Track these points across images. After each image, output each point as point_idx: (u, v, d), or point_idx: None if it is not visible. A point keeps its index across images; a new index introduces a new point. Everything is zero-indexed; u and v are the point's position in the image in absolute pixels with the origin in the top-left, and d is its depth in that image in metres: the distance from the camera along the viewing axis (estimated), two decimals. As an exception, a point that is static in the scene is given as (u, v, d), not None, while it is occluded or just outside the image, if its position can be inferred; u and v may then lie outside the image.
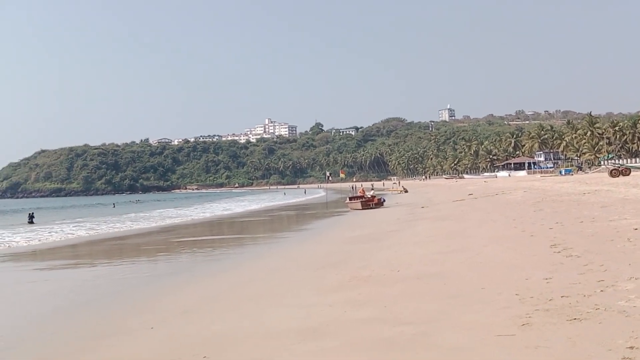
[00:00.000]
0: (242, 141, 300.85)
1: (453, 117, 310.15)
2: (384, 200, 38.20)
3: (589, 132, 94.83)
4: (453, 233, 14.48)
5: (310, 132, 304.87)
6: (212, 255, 16.37)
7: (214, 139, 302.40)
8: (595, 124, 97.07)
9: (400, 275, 8.99)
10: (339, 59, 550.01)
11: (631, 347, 4.41)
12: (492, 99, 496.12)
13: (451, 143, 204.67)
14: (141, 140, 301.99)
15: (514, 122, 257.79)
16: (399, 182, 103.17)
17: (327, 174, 70.29)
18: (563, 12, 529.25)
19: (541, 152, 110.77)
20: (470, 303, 6.52)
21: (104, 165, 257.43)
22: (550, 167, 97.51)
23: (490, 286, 7.21)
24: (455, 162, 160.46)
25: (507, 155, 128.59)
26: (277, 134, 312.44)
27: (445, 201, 32.77)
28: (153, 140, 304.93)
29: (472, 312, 6.12)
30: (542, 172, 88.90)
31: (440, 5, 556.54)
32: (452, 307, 6.44)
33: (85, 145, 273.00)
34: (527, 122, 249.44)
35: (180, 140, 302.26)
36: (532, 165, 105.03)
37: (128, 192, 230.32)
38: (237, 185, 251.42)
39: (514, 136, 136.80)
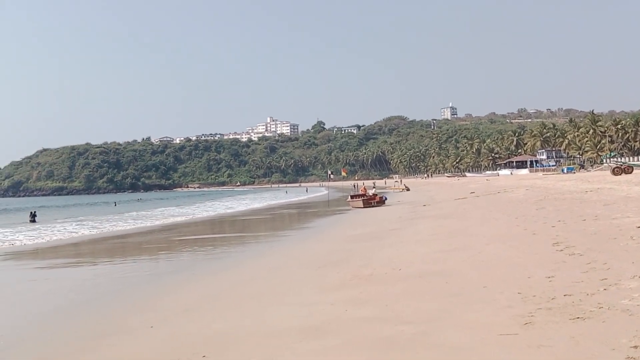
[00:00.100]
0: (244, 140, 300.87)
1: (455, 116, 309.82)
2: (386, 199, 38.15)
3: (592, 131, 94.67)
4: (455, 231, 14.44)
5: (312, 131, 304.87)
6: (214, 254, 16.36)
7: (216, 138, 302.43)
8: (597, 122, 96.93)
9: (401, 274, 8.95)
10: (340, 58, 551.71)
11: (635, 347, 4.36)
12: (494, 97, 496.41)
13: (453, 141, 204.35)
14: (143, 139, 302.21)
15: (516, 120, 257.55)
16: (401, 181, 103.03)
17: (329, 172, 70.29)
18: (565, 10, 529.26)
19: (543, 151, 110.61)
20: (472, 302, 6.48)
21: (105, 164, 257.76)
22: (553, 166, 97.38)
23: (492, 285, 7.17)
24: (457, 161, 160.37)
25: (509, 154, 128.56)
26: (278, 132, 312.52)
27: (447, 199, 32.71)
28: (155, 139, 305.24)
29: (474, 311, 6.08)
30: (544, 171, 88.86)
31: (442, 4, 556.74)
32: (454, 306, 6.40)
33: (87, 143, 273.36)
34: (530, 120, 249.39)
35: (182, 138, 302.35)
36: (534, 163, 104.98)
37: (130, 191, 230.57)
38: (239, 183, 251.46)
39: (516, 134, 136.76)
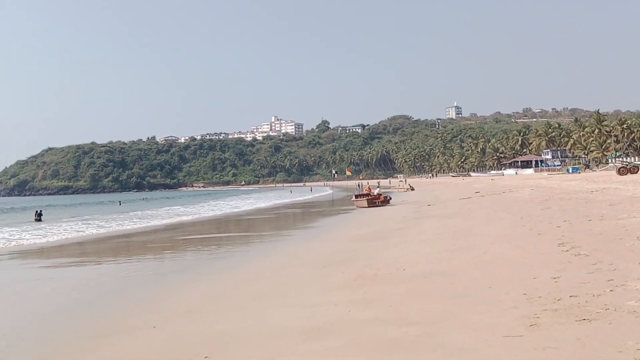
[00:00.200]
0: (249, 139, 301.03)
1: (460, 115, 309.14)
2: (390, 198, 38.07)
3: (597, 130, 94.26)
4: (459, 231, 14.37)
5: (316, 130, 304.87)
6: (218, 253, 16.34)
7: (221, 137, 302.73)
8: (603, 121, 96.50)
9: (406, 274, 8.90)
10: (343, 58, 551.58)
11: (642, 349, 4.30)
12: (499, 96, 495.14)
13: (458, 141, 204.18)
14: (148, 138, 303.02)
15: (521, 120, 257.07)
16: (406, 180, 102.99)
17: (334, 171, 70.30)
18: (570, 9, 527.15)
19: (548, 150, 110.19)
20: (477, 303, 6.42)
21: (110, 163, 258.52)
22: (558, 165, 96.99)
23: (498, 285, 7.11)
24: (462, 160, 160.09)
25: (514, 153, 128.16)
26: (283, 131, 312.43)
27: (452, 199, 32.63)
28: (160, 138, 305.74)
29: (478, 312, 6.02)
30: (549, 170, 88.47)
31: (448, 3, 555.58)
32: (459, 307, 6.34)
33: (92, 143, 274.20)
34: (535, 119, 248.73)
35: (187, 138, 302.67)
36: (539, 163, 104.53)
37: (135, 190, 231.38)
38: (243, 183, 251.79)
39: (521, 134, 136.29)
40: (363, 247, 13.70)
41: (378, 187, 55.33)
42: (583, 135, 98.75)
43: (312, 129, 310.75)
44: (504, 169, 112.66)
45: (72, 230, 29.15)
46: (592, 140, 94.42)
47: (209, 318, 7.51)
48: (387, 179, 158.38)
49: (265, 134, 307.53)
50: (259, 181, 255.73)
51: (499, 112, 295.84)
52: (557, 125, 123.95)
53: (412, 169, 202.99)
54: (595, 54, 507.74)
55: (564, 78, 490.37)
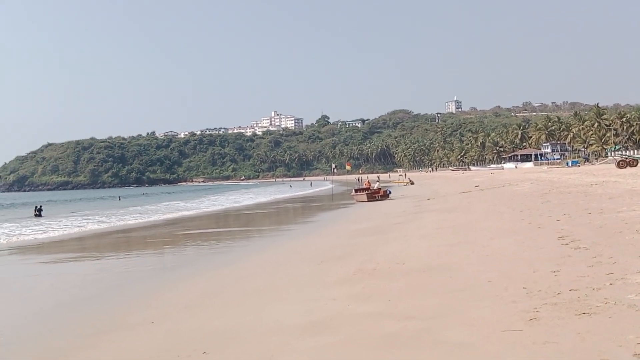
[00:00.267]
0: (248, 134, 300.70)
1: (460, 109, 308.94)
2: (390, 192, 38.06)
3: (596, 124, 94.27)
4: (459, 225, 14.35)
5: (316, 125, 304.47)
6: (217, 248, 16.32)
7: (220, 132, 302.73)
8: (602, 115, 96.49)
9: (405, 269, 8.88)
10: (344, 52, 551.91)
11: (642, 343, 4.28)
12: (499, 90, 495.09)
13: (458, 135, 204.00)
14: (147, 134, 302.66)
15: (521, 114, 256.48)
16: (405, 174, 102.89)
17: (333, 166, 70.41)
18: (571, 3, 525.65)
19: (548, 144, 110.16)
20: (477, 297, 6.39)
21: (110, 159, 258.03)
22: (557, 159, 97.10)
23: (497, 280, 7.08)
24: (462, 154, 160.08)
25: (513, 147, 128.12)
26: (283, 126, 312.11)
27: (452, 193, 32.60)
28: (159, 133, 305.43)
29: (478, 306, 6.00)
30: (548, 164, 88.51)
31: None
32: (458, 302, 6.32)
33: (92, 138, 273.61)
34: (534, 113, 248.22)
35: (187, 133, 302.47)
36: (538, 156, 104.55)
37: (135, 185, 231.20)
38: (243, 177, 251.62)
39: (521, 128, 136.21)
40: (362, 242, 13.69)
41: (378, 181, 55.18)
42: (583, 128, 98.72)
43: (312, 123, 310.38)
44: (504, 163, 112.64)
45: (73, 225, 29.14)
46: (592, 134, 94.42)
47: (208, 313, 7.50)
48: (386, 173, 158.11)
49: (265, 129, 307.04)
50: (258, 176, 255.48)
51: (499, 106, 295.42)
52: (556, 119, 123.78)
53: (412, 163, 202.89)
54: (594, 48, 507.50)
55: (564, 72, 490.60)
